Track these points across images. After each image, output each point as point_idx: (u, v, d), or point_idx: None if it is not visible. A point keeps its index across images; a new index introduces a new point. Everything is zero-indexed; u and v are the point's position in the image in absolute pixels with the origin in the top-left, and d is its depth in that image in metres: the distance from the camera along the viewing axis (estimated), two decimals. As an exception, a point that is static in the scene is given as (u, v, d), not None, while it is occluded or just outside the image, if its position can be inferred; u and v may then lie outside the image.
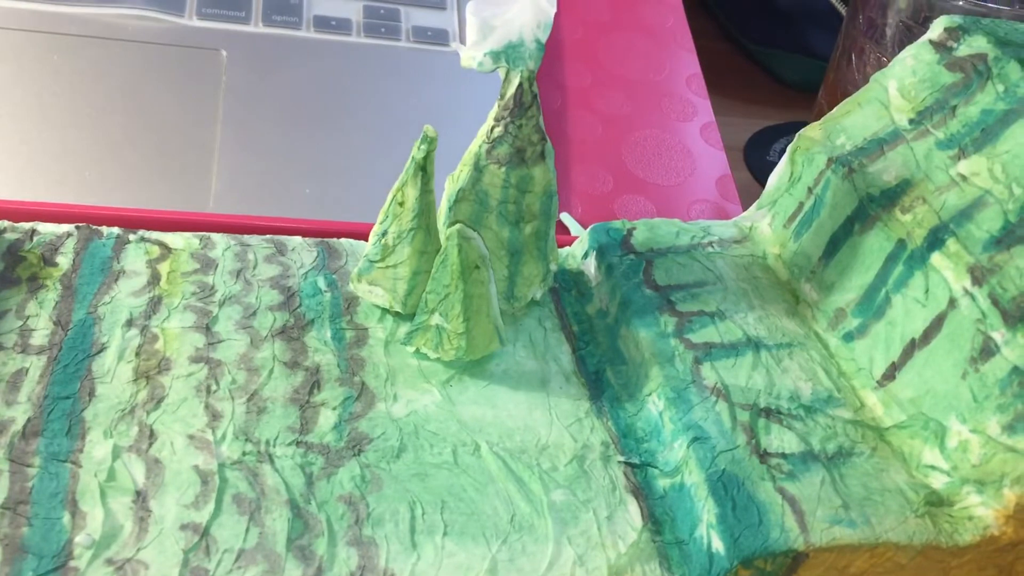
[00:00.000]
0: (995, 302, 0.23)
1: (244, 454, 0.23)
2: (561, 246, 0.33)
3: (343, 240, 0.30)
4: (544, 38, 0.26)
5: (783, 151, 0.30)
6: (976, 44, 0.27)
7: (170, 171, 0.35)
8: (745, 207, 0.42)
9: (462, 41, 0.41)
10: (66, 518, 0.20)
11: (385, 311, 0.27)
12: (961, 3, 0.37)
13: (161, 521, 0.21)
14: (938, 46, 0.28)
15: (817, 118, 0.43)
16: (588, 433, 0.25)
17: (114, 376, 0.24)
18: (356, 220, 0.34)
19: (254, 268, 0.28)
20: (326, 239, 0.29)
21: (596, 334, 0.28)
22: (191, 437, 0.23)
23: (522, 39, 0.26)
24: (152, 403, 0.23)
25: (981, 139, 0.26)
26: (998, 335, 0.23)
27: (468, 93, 0.40)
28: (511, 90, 0.26)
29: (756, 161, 0.50)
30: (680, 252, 0.29)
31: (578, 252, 0.31)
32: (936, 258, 0.25)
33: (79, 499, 0.21)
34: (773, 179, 0.31)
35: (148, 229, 0.29)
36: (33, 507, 0.21)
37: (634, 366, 0.26)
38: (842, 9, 0.51)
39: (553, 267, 0.29)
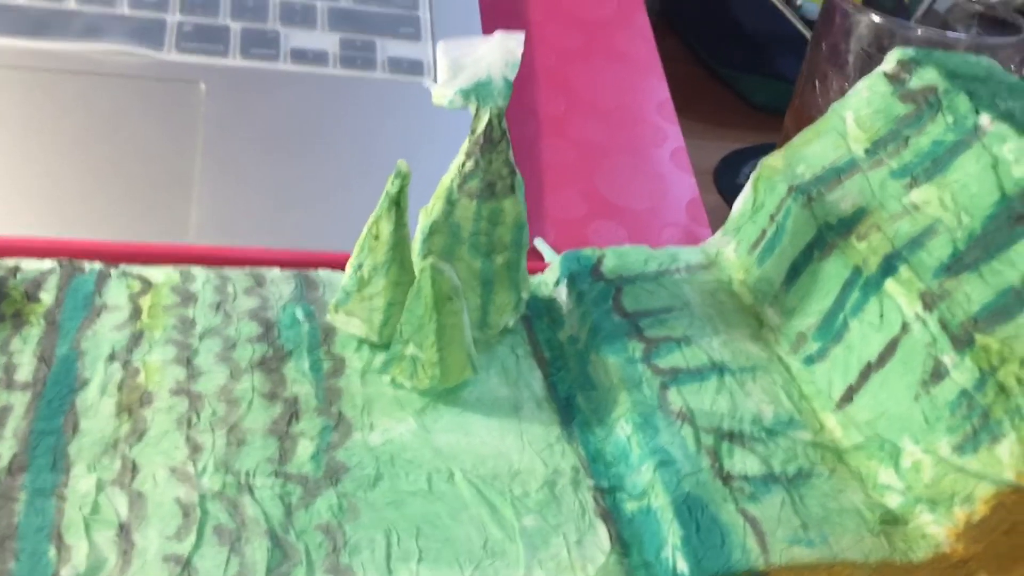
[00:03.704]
0: (944, 327, 0.24)
1: (225, 485, 0.23)
2: (534, 272, 0.34)
3: (320, 271, 0.30)
4: (512, 76, 0.27)
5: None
6: (927, 76, 0.29)
7: (150, 203, 0.36)
8: (715, 229, 0.43)
9: (435, 79, 0.42)
10: (52, 552, 0.21)
11: (361, 341, 0.28)
12: (920, 32, 0.38)
13: (144, 553, 0.21)
14: (892, 78, 0.30)
15: (784, 142, 0.44)
16: (559, 458, 0.25)
17: (97, 410, 0.24)
18: (334, 249, 0.34)
19: (233, 300, 0.29)
20: (303, 271, 0.30)
21: (567, 360, 0.29)
22: (173, 470, 0.23)
23: (491, 77, 0.26)
24: (135, 436, 0.24)
25: (932, 169, 0.27)
26: (948, 359, 0.24)
27: (442, 122, 0.41)
28: (481, 126, 0.27)
29: (726, 183, 0.51)
30: (648, 279, 0.30)
31: (550, 279, 0.31)
32: (890, 284, 0.26)
33: (64, 533, 0.21)
34: (738, 206, 0.32)
35: (128, 261, 0.30)
36: (20, 542, 0.21)
37: (603, 391, 0.27)
38: (807, 34, 0.52)
39: (525, 295, 0.30)
